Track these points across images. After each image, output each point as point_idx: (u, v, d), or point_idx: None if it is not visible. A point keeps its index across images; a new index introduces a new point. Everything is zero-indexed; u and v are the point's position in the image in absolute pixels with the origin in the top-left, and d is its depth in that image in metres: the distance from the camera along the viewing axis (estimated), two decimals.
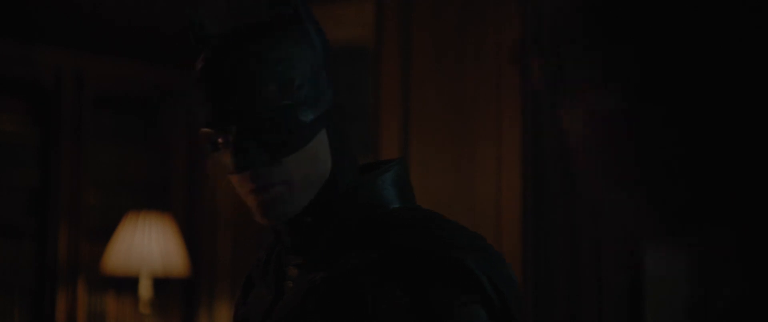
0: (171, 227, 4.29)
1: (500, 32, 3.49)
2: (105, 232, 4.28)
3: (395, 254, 1.39)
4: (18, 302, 4.20)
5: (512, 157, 3.45)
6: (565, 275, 3.41)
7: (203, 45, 1.44)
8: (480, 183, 3.51)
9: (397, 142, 3.66)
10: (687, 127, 3.36)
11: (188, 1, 4.13)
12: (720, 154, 3.33)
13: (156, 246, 4.21)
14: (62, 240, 4.22)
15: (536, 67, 3.40)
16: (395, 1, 3.73)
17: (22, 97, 4.24)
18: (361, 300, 1.38)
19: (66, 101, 4.25)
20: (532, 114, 3.42)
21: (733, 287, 3.33)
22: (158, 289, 4.35)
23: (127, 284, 4.36)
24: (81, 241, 4.28)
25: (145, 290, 4.23)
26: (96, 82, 4.34)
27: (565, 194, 3.42)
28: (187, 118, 4.54)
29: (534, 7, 3.44)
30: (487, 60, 3.52)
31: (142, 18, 4.42)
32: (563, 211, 3.42)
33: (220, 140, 1.41)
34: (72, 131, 4.27)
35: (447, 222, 1.45)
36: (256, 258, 1.59)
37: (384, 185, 1.48)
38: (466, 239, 1.42)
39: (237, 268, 4.49)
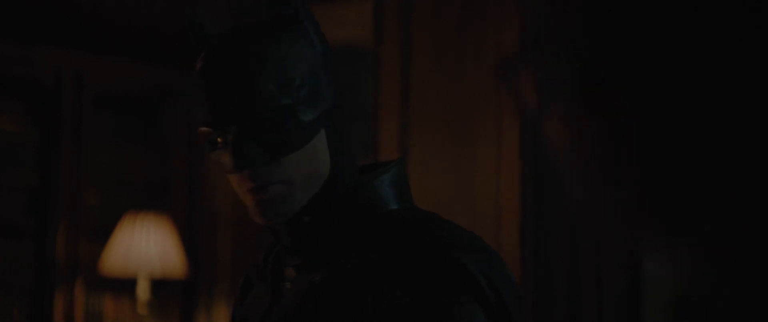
0: (169, 227, 4.29)
1: (500, 32, 3.49)
2: (104, 232, 4.28)
3: (395, 254, 1.39)
4: (17, 302, 4.20)
5: (512, 157, 3.45)
6: (565, 275, 3.41)
7: (203, 45, 1.45)
8: (480, 183, 3.51)
9: (397, 142, 3.66)
10: (687, 127, 3.36)
11: (188, 1, 4.14)
12: (720, 154, 3.33)
13: (154, 247, 4.20)
14: (61, 240, 4.22)
15: (535, 67, 3.40)
16: (395, 1, 3.73)
17: (22, 97, 4.24)
18: (361, 300, 1.38)
19: (66, 101, 4.25)
20: (532, 114, 3.42)
21: (733, 287, 3.33)
22: (157, 290, 4.35)
23: (125, 285, 4.35)
24: (80, 241, 4.28)
25: (142, 291, 4.22)
26: (96, 82, 4.34)
27: (565, 194, 3.42)
28: (187, 118, 4.54)
29: (534, 7, 3.44)
30: (487, 60, 3.52)
31: (142, 18, 4.42)
32: (563, 211, 3.42)
33: (219, 140, 1.41)
34: (72, 131, 4.27)
35: (446, 222, 1.46)
36: (254, 259, 1.59)
37: (382, 185, 1.48)
38: (465, 239, 1.42)
39: (236, 269, 4.48)
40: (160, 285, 4.39)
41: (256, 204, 1.41)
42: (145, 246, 4.19)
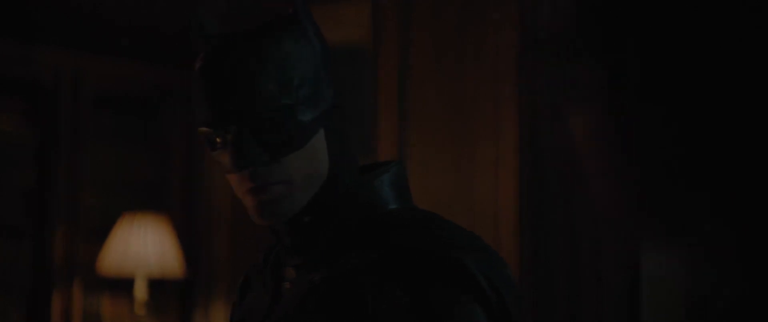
0: (168, 227, 4.29)
1: (500, 32, 3.48)
2: (103, 232, 4.27)
3: (395, 254, 1.39)
4: (14, 303, 4.19)
5: (512, 157, 3.44)
6: (565, 275, 3.41)
7: (203, 45, 1.44)
8: (479, 183, 3.50)
9: (397, 142, 3.65)
10: (687, 127, 3.36)
11: (188, 1, 4.13)
12: (720, 154, 3.33)
13: (152, 247, 4.20)
14: (59, 241, 4.22)
15: (535, 67, 3.40)
16: (395, 1, 3.72)
17: (22, 97, 4.24)
18: (361, 300, 1.38)
19: (65, 101, 4.25)
20: (531, 114, 3.42)
21: (733, 287, 3.33)
22: (154, 290, 4.34)
23: (123, 285, 4.35)
24: (78, 241, 4.28)
25: (140, 291, 4.22)
26: (96, 82, 4.34)
27: (565, 193, 3.42)
28: (186, 118, 4.54)
29: (534, 7, 3.44)
30: (487, 60, 3.51)
31: (142, 18, 4.41)
32: (563, 211, 3.42)
33: (217, 140, 1.41)
34: (71, 131, 4.27)
35: (446, 222, 1.45)
36: (254, 259, 1.59)
37: (382, 185, 1.48)
38: (465, 239, 1.42)
39: (234, 269, 4.48)
40: (157, 285, 4.38)
41: (256, 205, 1.41)
42: (143, 246, 4.19)
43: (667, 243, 3.45)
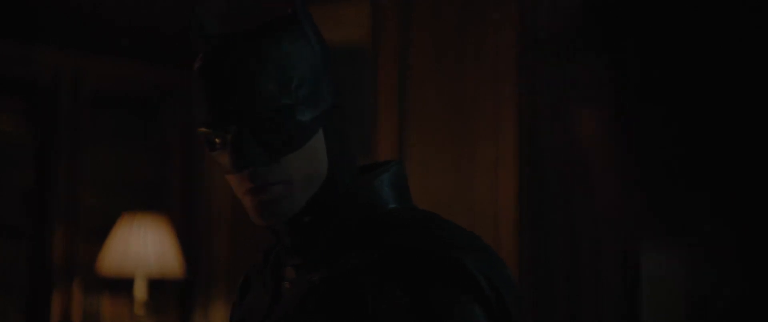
0: (167, 227, 4.28)
1: (500, 32, 3.48)
2: (102, 232, 4.27)
3: (395, 254, 1.39)
4: (14, 303, 4.19)
5: (511, 157, 3.44)
6: (564, 275, 3.41)
7: (203, 45, 1.44)
8: (479, 183, 3.50)
9: (396, 142, 3.65)
10: (687, 127, 3.36)
11: (188, 1, 4.13)
12: (720, 154, 3.33)
13: (151, 247, 4.20)
14: (59, 241, 4.22)
15: (535, 67, 3.40)
16: (394, 1, 3.72)
17: (21, 96, 4.23)
18: (361, 300, 1.37)
19: (65, 101, 4.25)
20: (531, 114, 3.42)
21: (733, 287, 3.33)
22: (154, 290, 4.34)
23: (122, 285, 4.35)
24: (78, 241, 4.27)
25: (139, 291, 4.22)
26: (95, 82, 4.34)
27: (565, 193, 3.42)
28: (186, 118, 4.54)
29: (534, 7, 3.44)
30: (487, 60, 3.51)
31: (142, 18, 4.41)
32: (563, 211, 3.42)
33: (217, 140, 1.41)
34: (70, 131, 4.26)
35: (446, 222, 1.45)
36: (254, 259, 1.59)
37: (382, 185, 1.48)
38: (465, 239, 1.42)
39: (234, 269, 4.48)
40: (157, 285, 4.38)
41: (256, 205, 1.41)
42: (143, 246, 4.19)
43: (667, 243, 3.45)
